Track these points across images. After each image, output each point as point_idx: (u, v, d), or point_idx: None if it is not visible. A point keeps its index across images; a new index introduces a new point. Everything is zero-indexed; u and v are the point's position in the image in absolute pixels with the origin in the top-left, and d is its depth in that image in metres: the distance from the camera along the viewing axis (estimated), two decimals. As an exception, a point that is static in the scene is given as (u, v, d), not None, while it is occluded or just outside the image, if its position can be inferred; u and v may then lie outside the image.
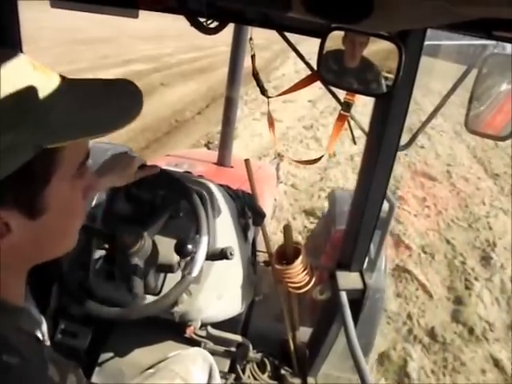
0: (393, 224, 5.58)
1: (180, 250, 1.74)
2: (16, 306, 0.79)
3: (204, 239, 1.68)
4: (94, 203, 2.06)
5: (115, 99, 0.78)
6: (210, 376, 1.90)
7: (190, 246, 1.70)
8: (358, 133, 2.07)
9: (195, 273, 1.65)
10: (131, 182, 1.60)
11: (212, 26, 1.72)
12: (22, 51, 1.71)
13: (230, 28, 1.77)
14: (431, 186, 7.66)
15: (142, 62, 15.91)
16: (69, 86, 0.72)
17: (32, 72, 0.69)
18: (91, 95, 0.76)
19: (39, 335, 0.85)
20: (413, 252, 5.45)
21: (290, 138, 9.28)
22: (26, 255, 0.79)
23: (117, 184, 1.56)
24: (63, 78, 0.74)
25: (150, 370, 1.87)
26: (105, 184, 1.52)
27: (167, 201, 1.86)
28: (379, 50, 1.38)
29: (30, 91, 0.66)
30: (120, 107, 0.78)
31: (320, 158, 2.15)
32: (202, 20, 1.68)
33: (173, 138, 8.70)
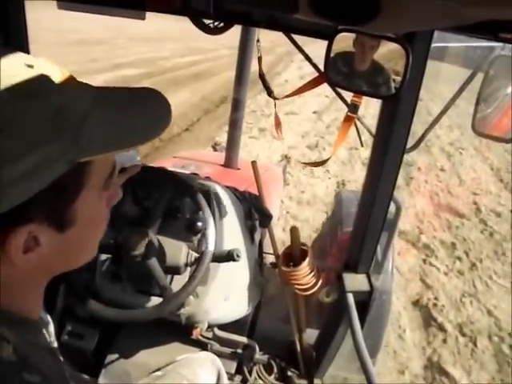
0: (421, 290, 4.85)
1: (190, 227, 1.75)
2: (34, 320, 0.79)
3: (211, 240, 1.68)
4: None
5: (143, 109, 0.78)
6: (218, 380, 1.90)
7: (199, 224, 1.71)
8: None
9: (202, 271, 1.65)
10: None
11: (216, 26, 1.72)
12: (28, 52, 1.72)
13: (235, 30, 1.76)
14: (459, 225, 6.53)
15: (133, 67, 15.34)
16: (98, 96, 0.71)
17: (64, 82, 0.68)
18: (120, 106, 0.75)
19: (51, 344, 0.85)
20: (448, 335, 4.26)
21: (292, 163, 7.95)
22: (50, 268, 0.78)
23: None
24: (91, 86, 0.73)
25: (158, 373, 1.87)
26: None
27: (174, 202, 1.86)
28: (385, 52, 1.38)
29: (66, 103, 0.65)
30: (149, 118, 0.78)
31: (327, 160, 2.15)
32: (208, 21, 1.68)
33: (150, 162, 7.31)
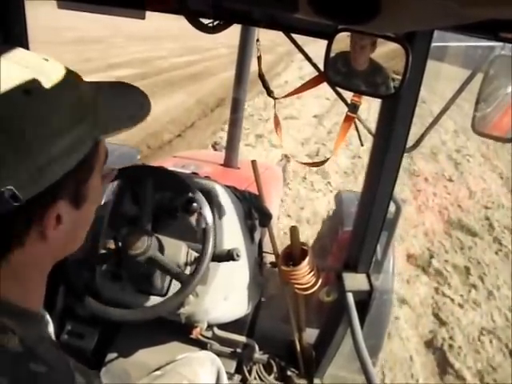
0: (434, 327, 4.33)
1: (186, 206, 1.76)
2: (35, 312, 0.79)
3: (210, 240, 1.68)
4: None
5: (130, 96, 0.88)
6: (218, 380, 1.90)
7: (195, 204, 1.71)
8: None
9: (201, 273, 1.65)
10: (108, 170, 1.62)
11: (214, 25, 1.72)
12: (28, 49, 1.73)
13: (234, 29, 1.76)
14: (472, 245, 5.93)
15: (128, 67, 14.68)
16: (95, 87, 0.80)
17: (76, 76, 0.76)
18: (113, 94, 0.84)
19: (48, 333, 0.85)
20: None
21: (291, 173, 7.26)
22: (61, 249, 0.81)
23: None
24: (87, 81, 0.81)
25: (158, 372, 1.87)
26: None
27: (174, 202, 1.86)
28: (385, 51, 1.38)
29: (82, 93, 0.74)
30: (135, 103, 0.87)
31: (326, 160, 2.15)
32: (207, 20, 1.68)
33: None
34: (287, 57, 20.69)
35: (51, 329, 0.95)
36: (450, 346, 4.10)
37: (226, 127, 4.97)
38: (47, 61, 0.72)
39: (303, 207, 6.50)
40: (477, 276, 5.26)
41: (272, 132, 8.60)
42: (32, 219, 0.69)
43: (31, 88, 0.65)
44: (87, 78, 0.77)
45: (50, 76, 0.69)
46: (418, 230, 6.13)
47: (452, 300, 4.77)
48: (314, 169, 7.77)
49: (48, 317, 0.95)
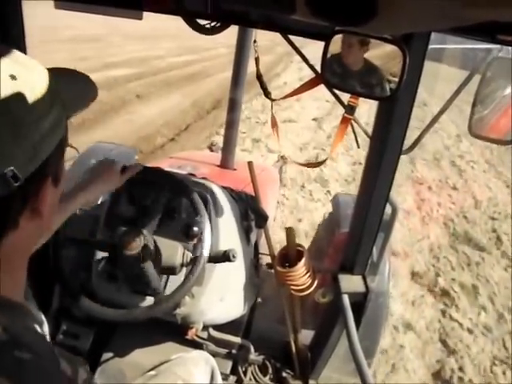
0: (442, 356, 4.00)
1: (186, 232, 1.76)
2: (22, 304, 0.79)
3: (207, 240, 1.68)
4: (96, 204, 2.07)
5: (78, 80, 0.94)
6: (212, 379, 1.90)
7: (196, 228, 1.71)
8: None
9: (197, 272, 1.65)
10: (119, 186, 1.62)
11: (212, 26, 1.72)
12: (25, 48, 1.74)
13: (234, 29, 1.77)
14: (479, 261, 5.55)
15: (124, 66, 14.42)
16: (52, 74, 0.80)
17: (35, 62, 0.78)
18: (66, 78, 0.87)
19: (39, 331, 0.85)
20: None
21: (289, 181, 6.97)
22: (41, 233, 0.83)
23: (106, 190, 1.62)
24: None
25: (152, 372, 1.87)
26: (93, 196, 1.55)
27: (170, 203, 1.86)
28: (387, 51, 1.38)
29: (50, 76, 0.76)
30: (86, 85, 0.94)
31: (324, 162, 2.15)
32: (205, 21, 1.68)
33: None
34: (286, 57, 20.27)
35: (46, 329, 0.94)
36: (460, 378, 3.78)
37: (222, 130, 4.92)
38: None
39: (301, 219, 6.08)
40: (486, 296, 4.93)
41: (269, 136, 8.53)
42: (27, 198, 0.72)
43: (14, 73, 0.68)
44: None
45: (25, 63, 0.72)
46: (422, 244, 5.82)
47: (460, 324, 4.45)
48: (313, 176, 7.43)
49: (43, 317, 0.95)
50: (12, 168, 0.64)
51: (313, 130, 10.43)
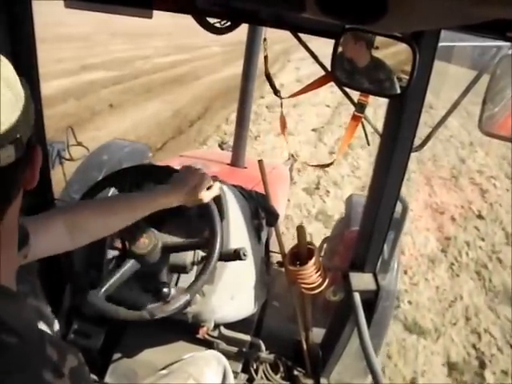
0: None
1: (156, 293, 1.76)
2: (10, 289, 0.79)
3: (217, 239, 1.68)
4: None
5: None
6: (224, 379, 1.90)
7: (165, 290, 1.71)
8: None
9: (208, 271, 1.65)
10: (196, 204, 1.62)
11: (223, 25, 1.72)
12: (35, 47, 1.74)
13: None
14: None
15: (103, 69, 13.39)
16: None
17: None
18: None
19: (42, 327, 0.85)
20: None
21: (291, 215, 5.85)
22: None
23: (185, 203, 1.60)
24: None
25: (164, 371, 1.88)
26: (175, 202, 1.56)
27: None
28: (395, 51, 1.38)
29: None
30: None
31: (332, 163, 2.16)
32: (214, 20, 1.68)
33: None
34: (283, 56, 18.71)
35: (57, 329, 0.95)
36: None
37: (205, 147, 4.73)
38: None
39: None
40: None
41: (264, 153, 8.06)
42: (27, 162, 0.74)
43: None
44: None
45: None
46: (455, 311, 4.59)
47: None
48: (318, 206, 6.32)
49: (55, 318, 0.95)
50: (20, 134, 0.68)
51: (312, 144, 9.20)
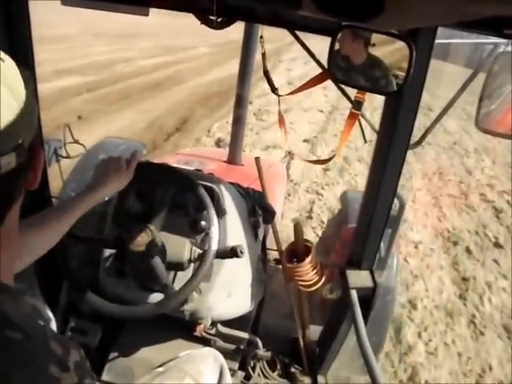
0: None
1: (194, 226, 1.76)
2: (9, 286, 0.79)
3: (214, 236, 1.68)
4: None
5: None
6: (221, 376, 1.91)
7: (203, 223, 1.71)
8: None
9: (205, 268, 1.65)
10: (131, 179, 1.61)
11: (219, 21, 1.72)
12: (32, 47, 1.74)
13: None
14: None
15: (78, 74, 12.38)
16: None
17: None
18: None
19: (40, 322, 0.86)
20: None
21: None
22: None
23: (119, 188, 1.59)
24: None
25: (160, 369, 1.88)
26: (103, 196, 1.55)
27: (177, 199, 1.87)
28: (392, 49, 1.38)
29: None
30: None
31: (331, 159, 2.16)
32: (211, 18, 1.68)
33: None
34: (274, 56, 17.88)
35: (54, 326, 0.95)
36: None
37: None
38: None
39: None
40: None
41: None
42: (29, 165, 0.75)
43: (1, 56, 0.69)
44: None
45: None
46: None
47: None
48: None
49: (51, 314, 0.96)
50: (22, 139, 0.69)
51: (304, 157, 7.79)
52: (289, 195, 6.36)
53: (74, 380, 0.70)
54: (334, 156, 2.15)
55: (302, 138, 9.27)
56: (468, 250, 5.69)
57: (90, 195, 1.49)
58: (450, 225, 6.32)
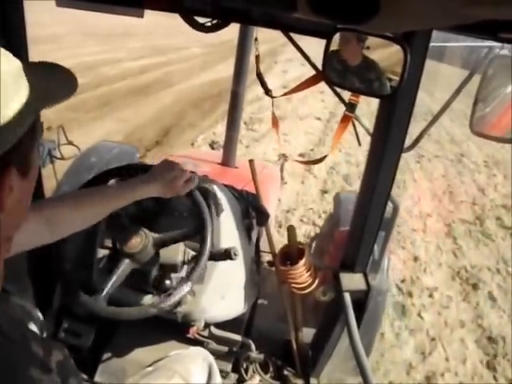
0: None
1: (157, 286, 1.76)
2: None
3: (208, 239, 1.68)
4: None
5: (59, 74, 0.90)
6: (210, 375, 1.90)
7: (168, 282, 1.71)
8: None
9: (199, 270, 1.65)
10: (175, 195, 1.60)
11: (212, 24, 1.72)
12: (26, 46, 1.74)
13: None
14: None
15: None
16: (27, 67, 0.78)
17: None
18: (43, 70, 0.86)
19: (32, 327, 0.85)
20: None
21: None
22: (12, 220, 0.82)
23: (162, 195, 1.57)
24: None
25: (149, 368, 1.87)
26: (151, 192, 1.54)
27: (170, 200, 1.86)
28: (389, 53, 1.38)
29: (16, 63, 0.74)
30: (65, 78, 0.89)
31: (324, 158, 2.15)
32: (205, 19, 1.68)
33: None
34: (270, 57, 17.09)
35: (42, 325, 0.94)
36: None
37: None
38: None
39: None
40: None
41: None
42: None
43: None
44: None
45: None
46: None
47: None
48: None
49: (40, 314, 0.95)
50: None
51: (299, 176, 7.23)
52: (280, 226, 5.41)
53: (57, 381, 0.70)
54: (326, 156, 2.15)
55: (297, 152, 8.20)
56: (491, 297, 4.84)
57: (138, 187, 1.50)
58: (467, 261, 5.48)
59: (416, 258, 5.33)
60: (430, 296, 4.69)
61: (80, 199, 1.46)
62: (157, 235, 1.75)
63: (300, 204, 6.31)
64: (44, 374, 0.68)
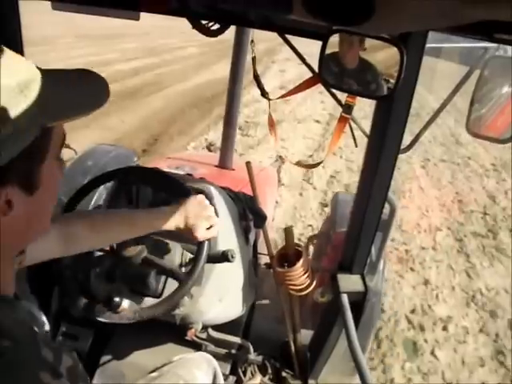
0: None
1: (155, 289, 1.76)
2: (8, 296, 0.79)
3: (205, 241, 1.68)
4: (93, 204, 2.08)
5: (86, 85, 0.87)
6: (215, 381, 1.91)
7: (117, 299, 1.70)
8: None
9: (196, 275, 1.65)
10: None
11: (214, 27, 1.72)
12: (22, 47, 1.73)
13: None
14: None
15: None
16: (48, 75, 0.77)
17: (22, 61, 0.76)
18: (65, 81, 0.82)
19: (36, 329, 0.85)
20: None
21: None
22: (19, 235, 0.82)
23: (178, 231, 1.59)
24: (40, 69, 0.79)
25: (154, 374, 1.87)
26: (174, 227, 1.56)
27: (168, 203, 1.86)
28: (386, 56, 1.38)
29: (30, 78, 0.72)
30: (92, 90, 0.87)
31: (320, 163, 2.15)
32: (204, 22, 1.68)
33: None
34: (267, 57, 16.85)
35: (47, 328, 0.95)
36: None
37: None
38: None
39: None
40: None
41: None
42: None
43: None
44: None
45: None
46: None
47: None
48: None
49: (44, 318, 0.95)
50: None
51: (297, 188, 6.86)
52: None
53: None
54: (323, 160, 2.15)
55: (295, 159, 7.30)
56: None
57: (161, 221, 1.51)
58: (482, 283, 5.04)
59: (426, 282, 4.89)
60: (444, 329, 4.25)
61: (100, 221, 1.46)
62: (154, 238, 1.75)
63: (298, 220, 5.85)
64: (54, 378, 0.69)
